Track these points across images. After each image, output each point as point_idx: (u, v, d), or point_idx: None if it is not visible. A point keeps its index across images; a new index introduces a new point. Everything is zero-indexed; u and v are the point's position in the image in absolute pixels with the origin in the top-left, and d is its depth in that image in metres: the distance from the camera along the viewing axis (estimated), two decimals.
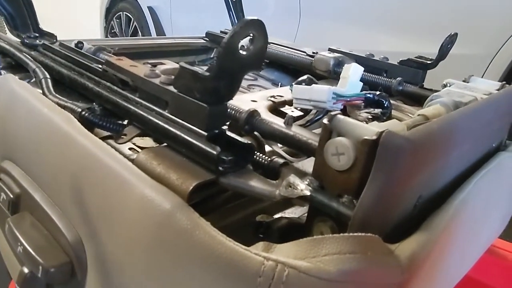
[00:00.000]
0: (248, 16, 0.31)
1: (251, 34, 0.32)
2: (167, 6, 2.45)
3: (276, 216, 0.41)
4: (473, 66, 1.54)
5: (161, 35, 2.48)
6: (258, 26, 0.31)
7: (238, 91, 0.60)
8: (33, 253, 0.35)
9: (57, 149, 0.37)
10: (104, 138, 0.44)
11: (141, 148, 0.42)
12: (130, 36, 2.64)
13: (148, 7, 2.53)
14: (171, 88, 0.37)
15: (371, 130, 0.30)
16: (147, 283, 0.29)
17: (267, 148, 0.47)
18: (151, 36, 2.51)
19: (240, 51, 0.32)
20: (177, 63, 0.42)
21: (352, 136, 0.30)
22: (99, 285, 0.34)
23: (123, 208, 0.30)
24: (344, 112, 0.49)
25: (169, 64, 0.45)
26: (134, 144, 0.47)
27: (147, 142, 0.44)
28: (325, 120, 0.32)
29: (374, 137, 0.29)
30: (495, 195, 0.47)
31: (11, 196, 0.41)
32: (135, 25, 2.62)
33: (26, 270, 0.36)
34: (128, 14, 2.66)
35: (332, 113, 0.32)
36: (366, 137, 0.29)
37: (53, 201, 0.38)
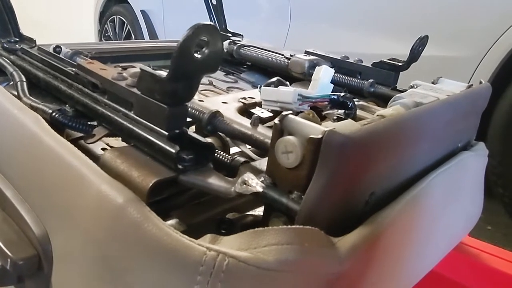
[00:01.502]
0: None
1: (205, 38, 0.34)
2: (159, 10, 2.47)
3: (247, 214, 0.43)
4: (462, 68, 1.56)
5: (154, 38, 2.50)
6: (211, 31, 0.33)
7: (215, 93, 0.62)
8: (2, 246, 0.37)
9: (25, 148, 0.39)
10: (76, 139, 0.46)
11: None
12: (124, 39, 2.67)
13: (141, 10, 2.56)
14: (135, 90, 0.39)
15: (317, 129, 0.32)
16: (102, 274, 0.31)
17: (237, 148, 0.48)
18: (144, 39, 2.53)
19: (195, 55, 0.33)
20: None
21: (300, 135, 0.32)
22: (62, 277, 0.35)
23: (81, 203, 0.32)
24: (319, 113, 0.50)
25: (139, 68, 0.47)
26: (107, 144, 0.49)
27: (120, 142, 0.45)
28: (276, 120, 0.34)
29: (320, 136, 0.30)
30: (455, 193, 0.48)
31: None
32: (129, 29, 2.65)
33: None
34: (122, 18, 2.68)
35: (284, 113, 0.34)
36: (311, 136, 0.31)
37: (22, 197, 0.39)
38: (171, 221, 0.39)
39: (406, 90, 0.62)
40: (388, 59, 0.66)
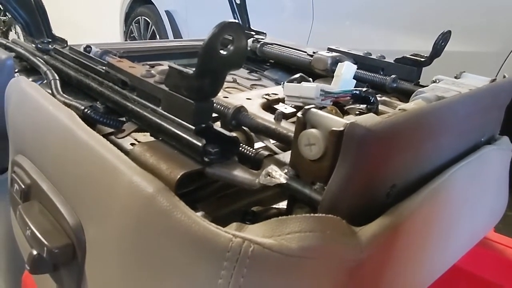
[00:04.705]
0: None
1: (230, 36, 0.35)
2: (183, 10, 2.51)
3: (271, 206, 0.44)
4: (488, 64, 1.53)
5: (178, 38, 2.54)
6: (235, 28, 0.34)
7: (239, 90, 0.63)
8: (39, 235, 0.39)
9: (60, 143, 0.41)
10: (107, 134, 0.48)
11: None
12: (149, 40, 2.72)
13: (165, 11, 2.60)
14: (163, 86, 0.40)
15: (339, 121, 0.33)
16: (132, 262, 0.32)
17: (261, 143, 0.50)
18: (168, 39, 2.57)
19: (221, 51, 0.35)
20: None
21: (323, 127, 0.33)
22: (95, 265, 0.37)
23: (114, 194, 0.34)
24: (341, 109, 0.51)
25: (166, 65, 0.49)
26: (135, 139, 0.51)
27: (148, 138, 0.47)
28: (299, 113, 0.35)
29: (341, 128, 0.31)
30: (478, 186, 0.48)
31: (23, 186, 0.45)
32: (153, 29, 2.69)
33: (34, 252, 0.40)
34: (147, 19, 2.73)
35: (307, 107, 0.35)
36: (334, 128, 0.32)
37: (58, 190, 0.41)
38: (198, 213, 0.41)
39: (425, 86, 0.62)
40: (411, 55, 0.66)
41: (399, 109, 0.44)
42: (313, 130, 0.33)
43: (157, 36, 2.65)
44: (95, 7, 4.18)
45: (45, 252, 0.38)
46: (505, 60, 1.50)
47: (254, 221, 0.41)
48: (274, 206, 0.44)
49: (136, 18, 2.81)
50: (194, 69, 0.36)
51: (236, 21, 0.34)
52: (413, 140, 0.37)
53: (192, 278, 0.29)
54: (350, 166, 0.31)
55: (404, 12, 1.66)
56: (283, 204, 0.44)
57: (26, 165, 0.46)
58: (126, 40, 2.90)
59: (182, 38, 2.56)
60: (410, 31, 1.62)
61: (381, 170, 0.35)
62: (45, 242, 0.38)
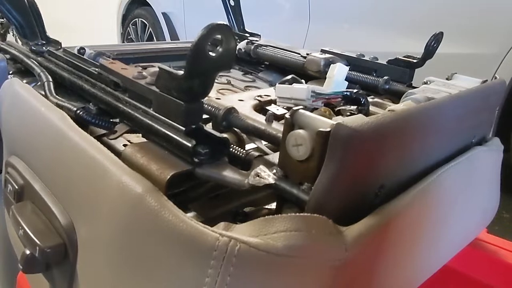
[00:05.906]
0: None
1: (219, 37, 0.35)
2: (180, 12, 2.52)
3: (262, 207, 0.44)
4: (486, 65, 1.54)
5: (175, 39, 2.55)
6: (224, 30, 0.35)
7: (233, 92, 0.64)
8: (31, 235, 0.39)
9: (52, 144, 0.41)
10: (100, 136, 0.48)
11: None
12: (146, 42, 2.72)
13: (162, 13, 2.61)
14: (154, 88, 0.41)
15: (326, 122, 0.33)
16: (122, 262, 0.33)
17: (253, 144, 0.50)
18: (165, 41, 2.57)
19: (210, 53, 0.35)
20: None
21: (310, 128, 0.33)
22: (87, 264, 0.38)
23: (104, 194, 0.34)
24: (333, 109, 0.52)
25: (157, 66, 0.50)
26: (128, 141, 0.51)
27: (141, 139, 0.48)
28: (287, 115, 0.35)
29: (328, 129, 0.32)
30: (468, 187, 0.48)
31: (16, 187, 0.45)
32: (150, 31, 2.70)
33: (27, 251, 0.40)
34: (144, 21, 2.74)
35: (294, 108, 0.36)
36: (320, 129, 0.32)
37: (50, 190, 0.42)
38: (190, 214, 0.41)
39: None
40: (403, 57, 0.66)
41: (388, 110, 0.45)
42: (300, 131, 0.34)
43: (154, 38, 2.66)
44: (91, 9, 4.19)
45: (37, 252, 0.39)
46: (501, 63, 1.50)
47: (244, 221, 0.41)
48: (266, 206, 0.44)
49: (133, 20, 2.82)
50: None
51: (225, 22, 0.35)
52: (401, 141, 0.38)
53: (180, 276, 0.30)
54: (336, 167, 0.31)
55: (401, 13, 1.66)
56: (274, 205, 0.45)
57: (20, 166, 0.46)
58: (123, 42, 2.91)
59: (179, 40, 2.57)
60: (408, 32, 1.62)
61: (368, 170, 0.35)
62: (37, 242, 0.39)
